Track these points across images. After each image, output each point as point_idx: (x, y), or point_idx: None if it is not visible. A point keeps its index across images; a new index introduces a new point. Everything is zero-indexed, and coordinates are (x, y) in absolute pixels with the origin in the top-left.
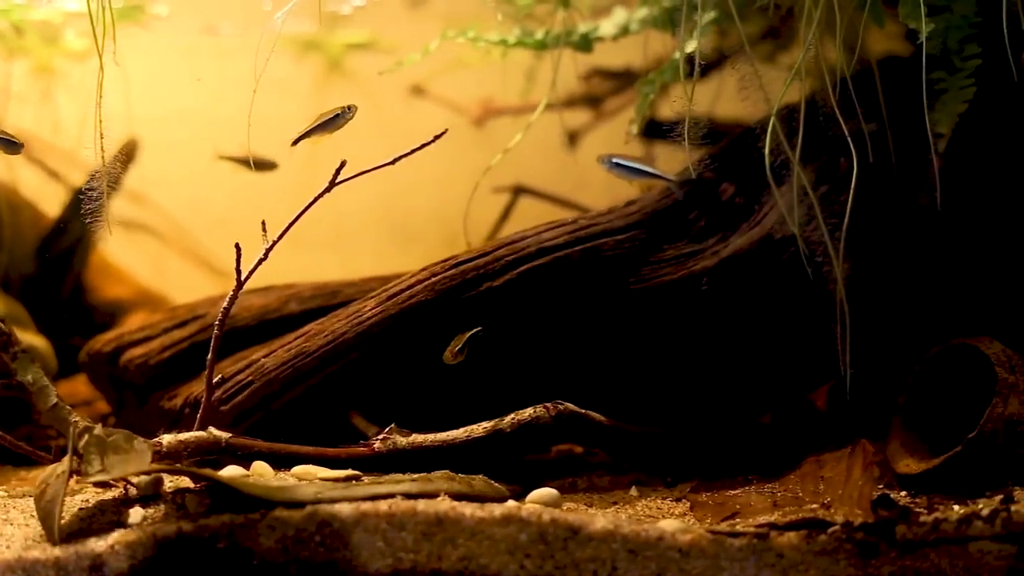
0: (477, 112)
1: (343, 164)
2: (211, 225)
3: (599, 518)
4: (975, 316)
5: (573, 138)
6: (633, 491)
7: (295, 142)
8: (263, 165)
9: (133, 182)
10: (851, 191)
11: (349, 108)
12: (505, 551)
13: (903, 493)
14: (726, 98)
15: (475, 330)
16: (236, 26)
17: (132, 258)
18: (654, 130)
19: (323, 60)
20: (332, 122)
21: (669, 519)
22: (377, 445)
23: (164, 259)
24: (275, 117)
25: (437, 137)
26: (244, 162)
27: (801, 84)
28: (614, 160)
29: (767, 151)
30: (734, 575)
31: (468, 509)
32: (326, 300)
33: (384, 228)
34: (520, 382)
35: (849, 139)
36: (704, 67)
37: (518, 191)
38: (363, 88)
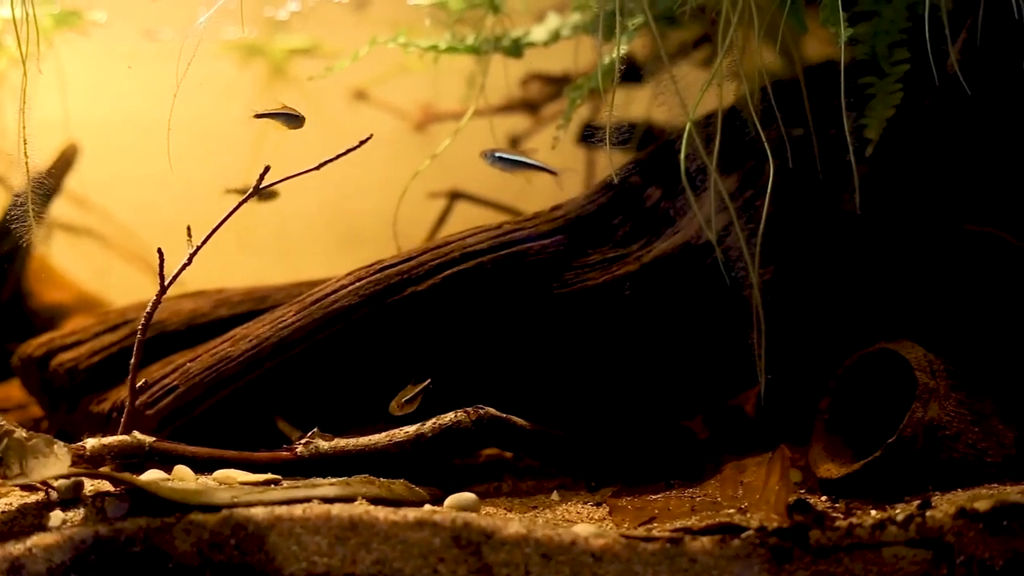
0: (418, 117)
1: (266, 169)
2: (155, 228)
3: (513, 522)
4: (905, 320)
5: (515, 143)
6: (555, 495)
7: (258, 115)
8: (267, 196)
9: (76, 186)
10: (767, 196)
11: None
12: (419, 555)
13: (824, 498)
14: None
15: (426, 383)
16: (176, 31)
17: (74, 262)
18: (591, 135)
19: (267, 65)
20: (295, 119)
21: (584, 524)
22: (300, 449)
23: (108, 263)
24: (220, 122)
25: (362, 142)
26: (251, 192)
27: (719, 90)
28: (496, 155)
29: (682, 156)
30: None
31: (382, 513)
32: (256, 304)
33: (332, 232)
34: (445, 387)
35: (766, 145)
36: (640, 72)
37: (454, 196)
38: (307, 93)
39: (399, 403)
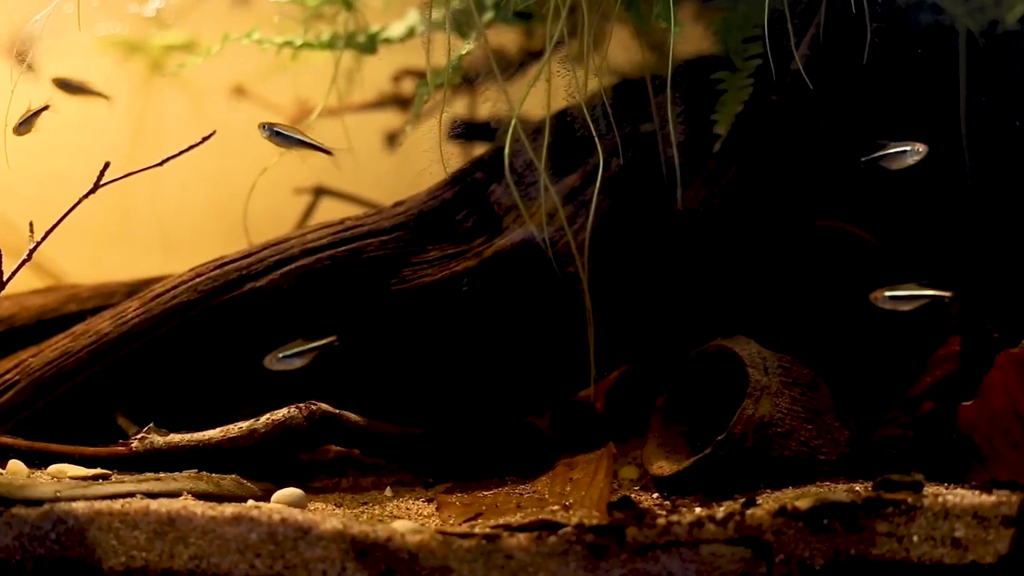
0: (294, 113)
1: (107, 166)
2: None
3: (331, 518)
4: (752, 316)
5: (392, 139)
6: (387, 491)
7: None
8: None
9: None
10: (595, 192)
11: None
12: (236, 550)
13: (656, 495)
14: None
15: (326, 341)
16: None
17: None
18: (472, 131)
19: (146, 62)
20: (27, 121)
21: (403, 520)
22: (135, 444)
23: None
24: (101, 118)
25: (205, 139)
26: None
27: (548, 87)
28: (274, 128)
29: (507, 153)
30: None
31: (200, 508)
32: (103, 300)
33: (220, 228)
34: (285, 382)
35: (598, 141)
36: (509, 67)
37: (318, 192)
38: (187, 89)
39: (275, 356)
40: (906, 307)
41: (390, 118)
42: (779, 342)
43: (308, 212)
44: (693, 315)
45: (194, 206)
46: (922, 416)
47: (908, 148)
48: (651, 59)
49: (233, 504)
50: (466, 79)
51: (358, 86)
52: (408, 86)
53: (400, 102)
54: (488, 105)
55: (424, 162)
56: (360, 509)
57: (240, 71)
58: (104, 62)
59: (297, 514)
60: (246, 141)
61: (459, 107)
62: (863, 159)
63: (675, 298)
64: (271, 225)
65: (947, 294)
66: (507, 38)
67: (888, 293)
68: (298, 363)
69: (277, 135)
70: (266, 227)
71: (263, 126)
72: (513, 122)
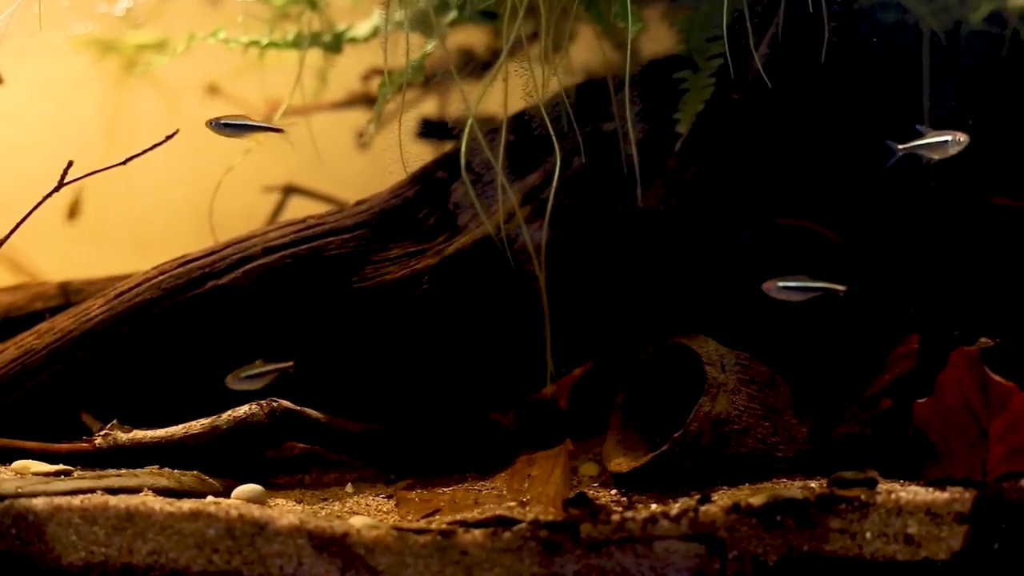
0: (267, 112)
1: (70, 164)
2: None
3: (289, 514)
4: (713, 314)
5: (361, 137)
6: (349, 488)
7: None
8: None
9: None
10: (552, 191)
11: None
12: (194, 546)
13: (614, 492)
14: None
15: (285, 364)
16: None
17: None
18: (432, 130)
19: (120, 61)
20: None
21: (360, 516)
22: (98, 441)
23: None
24: (73, 117)
25: (168, 138)
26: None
27: (506, 87)
28: (221, 122)
29: (463, 151)
30: (418, 571)
31: (158, 504)
32: (69, 298)
33: (194, 226)
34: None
35: (556, 141)
36: (478, 66)
37: (288, 190)
38: (161, 87)
39: (237, 376)
40: (798, 298)
41: (362, 117)
42: (741, 340)
43: (277, 210)
44: (655, 313)
45: (168, 204)
46: (881, 414)
47: (949, 138)
48: (616, 58)
49: (191, 500)
50: (428, 79)
51: (330, 85)
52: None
53: (370, 101)
54: (459, 104)
55: (394, 161)
56: (320, 505)
57: (215, 70)
58: (78, 61)
59: (255, 510)
60: (220, 140)
61: (431, 106)
62: (901, 147)
63: (637, 296)
64: (245, 223)
65: (840, 287)
66: (475, 37)
67: (781, 284)
68: (257, 384)
69: (226, 127)
70: (240, 225)
71: (210, 122)
72: (470, 121)
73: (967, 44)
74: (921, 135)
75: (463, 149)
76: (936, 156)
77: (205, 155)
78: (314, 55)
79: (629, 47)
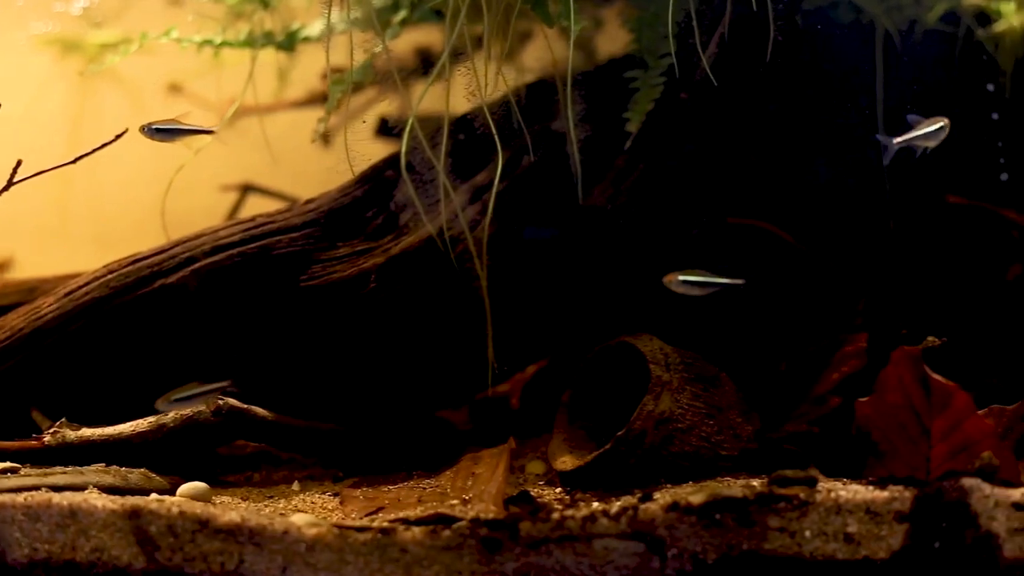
0: (225, 110)
1: (19, 163)
2: None
3: (230, 511)
4: (660, 313)
5: (326, 137)
6: (295, 486)
7: None
8: None
9: None
10: (493, 190)
11: None
12: (135, 543)
13: (559, 490)
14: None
15: (217, 385)
16: None
17: None
18: (390, 129)
19: (83, 60)
20: None
21: (302, 514)
22: (47, 438)
23: None
24: (37, 115)
25: (118, 137)
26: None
27: (447, 84)
28: (153, 127)
29: (403, 151)
30: (359, 569)
31: (100, 501)
32: (23, 296)
33: (158, 224)
34: (199, 378)
35: (498, 141)
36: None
37: (246, 189)
38: (125, 86)
39: (168, 399)
40: (698, 292)
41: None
42: (691, 339)
43: (235, 209)
44: (607, 311)
45: (132, 202)
46: (829, 412)
47: (943, 123)
48: (576, 58)
49: (134, 497)
50: (381, 78)
51: (294, 84)
52: None
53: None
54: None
55: (357, 159)
56: (266, 503)
57: (181, 69)
58: (41, 60)
59: (196, 507)
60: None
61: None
62: (896, 141)
63: (588, 294)
64: (210, 222)
65: (740, 281)
66: (434, 37)
67: (681, 278)
68: (189, 407)
69: (157, 132)
70: (205, 224)
71: (142, 128)
72: (410, 121)
73: (921, 43)
74: (912, 127)
75: (403, 149)
76: (932, 144)
77: (169, 153)
78: (278, 54)
79: (571, 46)
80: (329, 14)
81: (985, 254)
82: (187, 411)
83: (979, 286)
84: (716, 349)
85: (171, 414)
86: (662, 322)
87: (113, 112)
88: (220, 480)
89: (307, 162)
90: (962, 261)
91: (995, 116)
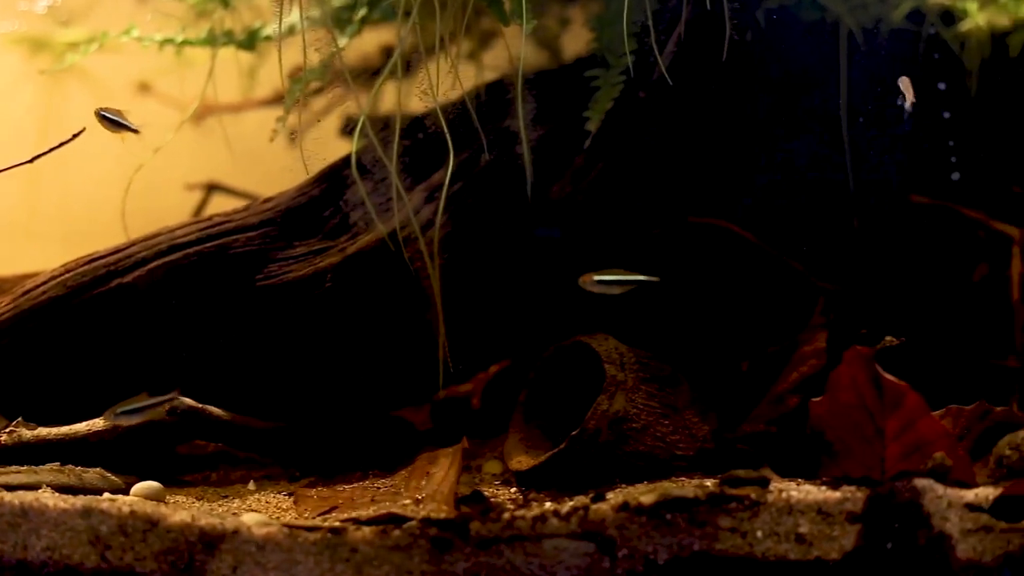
0: (197, 110)
1: None
2: None
3: (181, 511)
4: (622, 312)
5: (292, 136)
6: (251, 485)
7: None
8: None
9: None
10: (444, 189)
11: None
12: (87, 542)
13: (514, 490)
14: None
15: (164, 398)
16: None
17: None
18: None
19: (51, 58)
20: None
21: (253, 513)
22: (3, 438)
23: None
24: (5, 114)
25: (75, 136)
26: None
27: (399, 83)
28: (102, 113)
29: (353, 152)
30: (309, 569)
31: (52, 501)
32: None
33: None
34: (157, 377)
35: (449, 141)
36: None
37: (211, 188)
38: (93, 85)
39: (114, 412)
40: (615, 291)
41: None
42: (651, 339)
43: (199, 209)
44: (567, 311)
45: (102, 201)
46: (788, 412)
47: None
48: (540, 58)
49: (85, 496)
50: (339, 78)
51: (261, 83)
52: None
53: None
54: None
55: (313, 159)
56: (220, 502)
57: (151, 67)
58: (8, 59)
59: (147, 506)
60: (151, 138)
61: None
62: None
63: (547, 293)
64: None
65: (655, 279)
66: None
67: (597, 277)
68: (136, 420)
69: (104, 118)
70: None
71: (96, 112)
72: (361, 120)
73: (886, 42)
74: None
75: (353, 149)
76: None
77: (137, 152)
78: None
79: (523, 44)
80: (280, 13)
81: (951, 254)
82: None
83: (945, 286)
84: (679, 349)
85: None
86: (625, 322)
87: (83, 111)
88: (178, 480)
89: (282, 161)
90: (928, 261)
91: (961, 116)
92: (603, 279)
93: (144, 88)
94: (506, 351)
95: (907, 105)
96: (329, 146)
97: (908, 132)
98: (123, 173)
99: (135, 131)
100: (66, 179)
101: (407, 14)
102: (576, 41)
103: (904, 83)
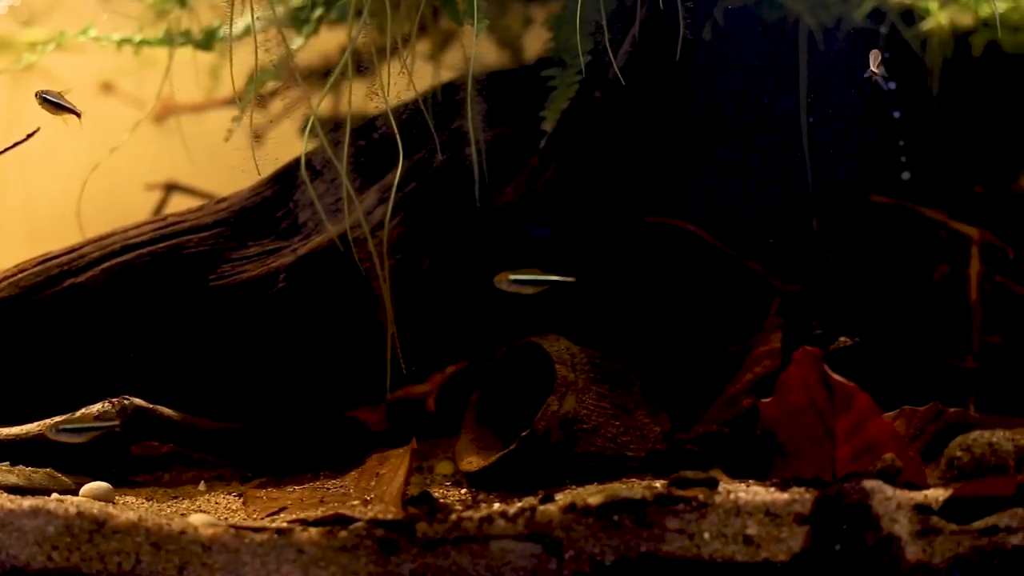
0: (157, 109)
1: None
2: None
3: (128, 511)
4: (576, 312)
5: (257, 136)
6: (201, 486)
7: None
8: None
9: None
10: (393, 188)
11: None
12: (33, 542)
13: (464, 491)
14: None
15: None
16: None
17: None
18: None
19: (13, 58)
20: None
21: (200, 514)
22: None
23: None
24: None
25: (29, 136)
26: None
27: (349, 84)
28: (43, 96)
29: (303, 155)
30: (255, 569)
31: None
32: None
33: (88, 221)
34: (108, 377)
35: (399, 140)
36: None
37: (170, 188)
38: (56, 85)
39: (56, 427)
40: (529, 291)
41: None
42: (606, 339)
43: (158, 209)
44: (525, 312)
45: (64, 200)
46: (741, 413)
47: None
48: (503, 58)
49: (32, 497)
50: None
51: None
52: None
53: (259, 98)
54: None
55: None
56: (170, 503)
57: (114, 67)
58: None
59: (94, 507)
60: (116, 135)
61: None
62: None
63: (502, 294)
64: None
65: (570, 279)
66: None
67: (512, 277)
68: (79, 439)
69: (46, 102)
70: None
71: (37, 94)
72: (310, 121)
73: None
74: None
75: (303, 149)
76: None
77: (104, 150)
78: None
79: (474, 44)
80: (232, 14)
81: (911, 255)
82: (93, 411)
83: (905, 287)
84: (636, 350)
85: (77, 414)
86: (581, 323)
87: (45, 112)
88: (129, 480)
89: (245, 161)
90: (888, 262)
91: (923, 116)
92: (518, 278)
93: (107, 88)
94: (464, 352)
95: (879, 78)
96: (289, 146)
97: (868, 131)
98: (86, 171)
99: (77, 114)
100: (29, 178)
101: (359, 13)
102: (539, 41)
103: (874, 56)
